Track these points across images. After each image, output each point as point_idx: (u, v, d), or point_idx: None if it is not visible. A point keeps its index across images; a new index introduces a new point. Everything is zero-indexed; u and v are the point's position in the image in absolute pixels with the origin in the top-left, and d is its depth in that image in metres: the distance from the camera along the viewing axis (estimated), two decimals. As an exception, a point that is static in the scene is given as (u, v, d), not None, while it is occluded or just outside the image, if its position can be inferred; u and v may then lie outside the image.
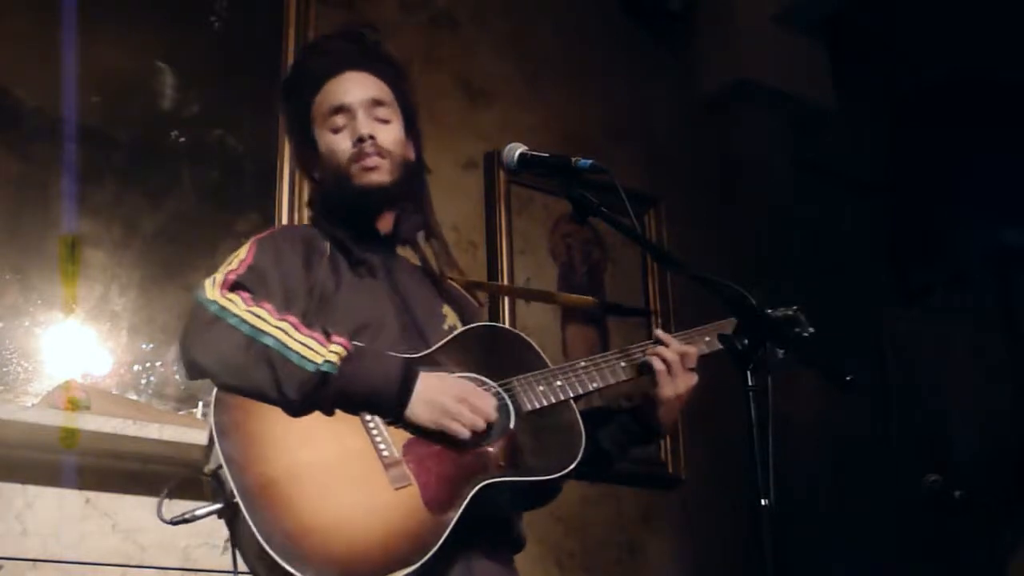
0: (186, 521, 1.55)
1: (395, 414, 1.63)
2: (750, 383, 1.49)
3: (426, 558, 1.50)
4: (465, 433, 1.63)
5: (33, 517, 2.36)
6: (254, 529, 1.46)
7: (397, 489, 1.56)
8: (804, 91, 4.42)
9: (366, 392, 1.61)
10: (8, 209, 2.69)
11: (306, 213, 3.06)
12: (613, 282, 3.81)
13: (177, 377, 2.82)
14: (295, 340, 1.58)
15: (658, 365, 1.82)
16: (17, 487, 2.35)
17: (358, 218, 1.88)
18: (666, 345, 1.84)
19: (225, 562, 2.50)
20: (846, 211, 4.57)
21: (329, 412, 1.61)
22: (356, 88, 1.88)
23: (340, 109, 1.87)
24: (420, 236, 1.96)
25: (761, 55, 4.35)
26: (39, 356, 2.65)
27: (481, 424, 1.64)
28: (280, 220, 3.05)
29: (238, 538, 1.55)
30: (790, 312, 2.02)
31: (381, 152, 1.84)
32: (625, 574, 3.51)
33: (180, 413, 2.72)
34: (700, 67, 4.36)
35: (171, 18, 3.07)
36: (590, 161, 1.74)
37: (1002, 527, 3.52)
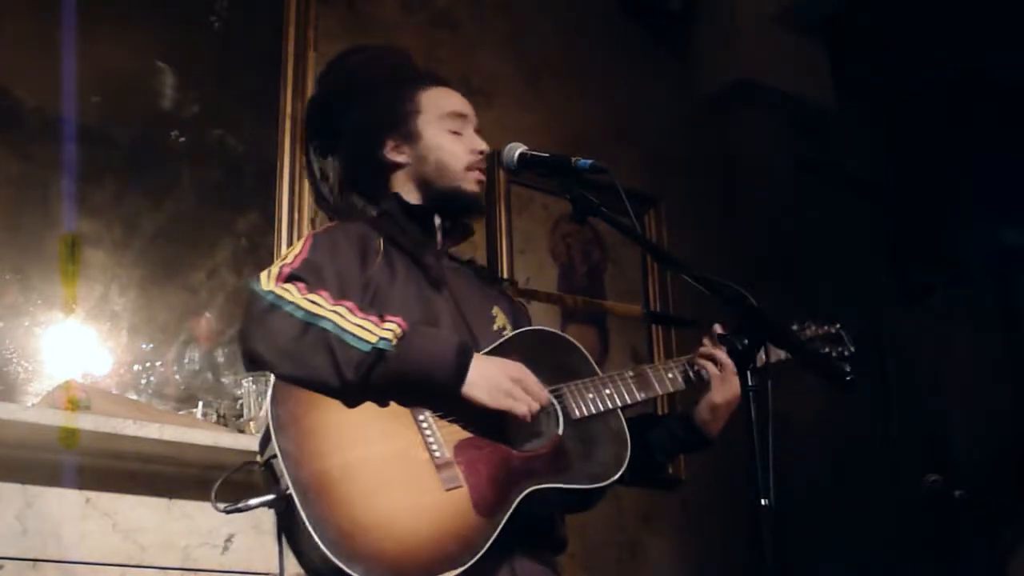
0: (239, 510, 1.57)
1: (452, 392, 1.62)
2: (750, 383, 1.50)
3: (474, 559, 1.53)
4: (525, 411, 1.64)
5: (33, 517, 2.35)
6: (307, 523, 1.48)
7: (447, 490, 1.59)
8: (804, 91, 4.42)
9: (422, 369, 1.60)
10: (8, 209, 2.69)
11: (306, 213, 3.07)
12: (613, 282, 3.80)
13: (177, 377, 2.82)
14: (350, 322, 1.59)
15: (712, 370, 1.88)
16: (17, 487, 2.35)
17: (442, 215, 1.93)
18: (713, 357, 1.89)
19: (225, 562, 2.52)
20: (846, 211, 4.56)
21: (385, 397, 1.61)
22: (469, 106, 2.01)
23: (460, 116, 1.97)
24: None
25: (761, 55, 4.34)
26: (39, 356, 2.65)
27: (536, 407, 1.66)
28: (280, 220, 3.05)
29: (288, 529, 1.57)
30: (832, 330, 2.03)
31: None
32: (625, 574, 3.51)
33: (180, 413, 2.72)
34: (700, 67, 4.36)
35: (171, 18, 3.07)
36: (590, 161, 1.75)
37: (1002, 527, 3.51)
